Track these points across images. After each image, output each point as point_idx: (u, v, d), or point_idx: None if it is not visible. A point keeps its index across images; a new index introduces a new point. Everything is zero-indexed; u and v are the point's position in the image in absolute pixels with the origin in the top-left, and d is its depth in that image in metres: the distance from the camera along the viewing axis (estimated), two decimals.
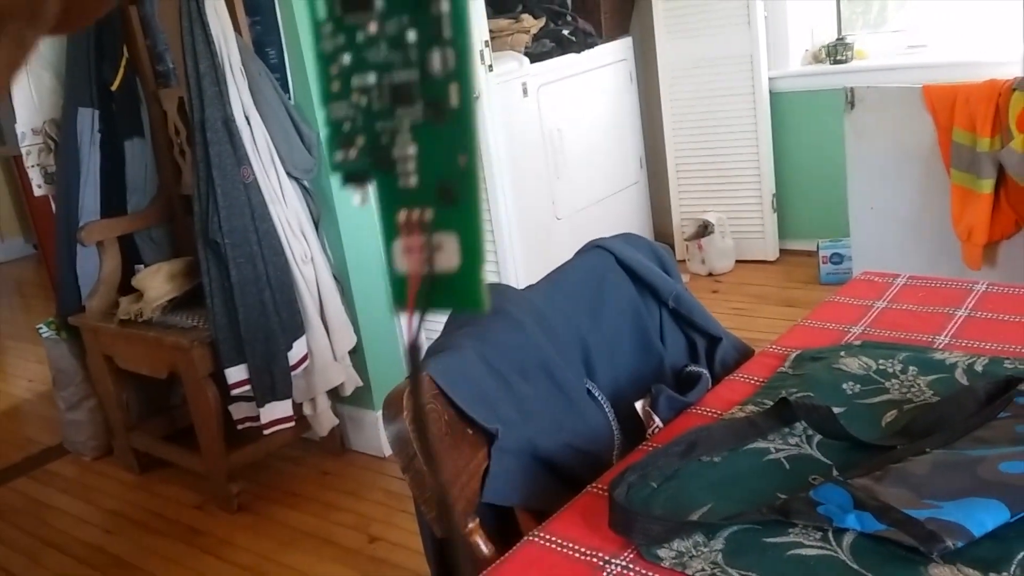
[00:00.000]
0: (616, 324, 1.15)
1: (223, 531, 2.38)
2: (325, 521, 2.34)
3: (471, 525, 0.93)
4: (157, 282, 2.50)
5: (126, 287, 2.62)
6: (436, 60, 0.23)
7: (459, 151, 0.24)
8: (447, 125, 0.24)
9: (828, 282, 3.35)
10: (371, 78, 0.24)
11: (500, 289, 1.10)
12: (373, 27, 0.24)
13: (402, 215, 0.25)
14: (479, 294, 0.25)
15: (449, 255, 0.25)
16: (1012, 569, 0.74)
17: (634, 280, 1.17)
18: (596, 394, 1.10)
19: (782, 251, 3.72)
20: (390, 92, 0.24)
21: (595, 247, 1.18)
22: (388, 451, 2.60)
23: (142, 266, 2.65)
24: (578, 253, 1.18)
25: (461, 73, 0.23)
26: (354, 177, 0.26)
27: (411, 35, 0.23)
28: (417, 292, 0.25)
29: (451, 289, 0.25)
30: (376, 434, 2.61)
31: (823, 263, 3.38)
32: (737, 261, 3.72)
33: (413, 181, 0.24)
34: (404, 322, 0.26)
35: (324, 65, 0.25)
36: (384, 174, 0.25)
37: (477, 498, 0.96)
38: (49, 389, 3.01)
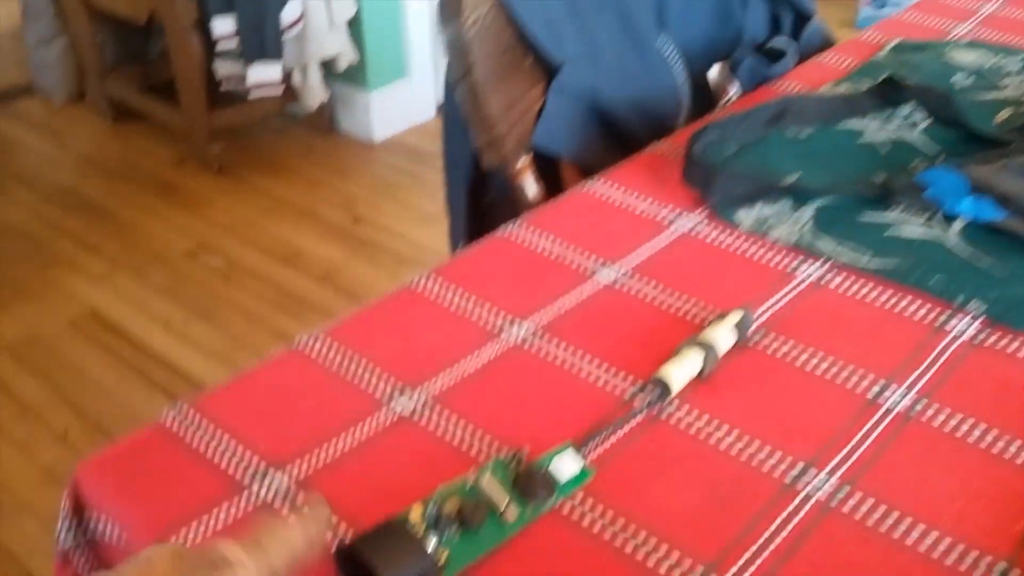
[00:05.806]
0: None
1: (203, 191, 2.27)
2: (309, 196, 2.24)
3: (521, 163, 0.81)
4: None
5: None
6: None
7: None
8: None
9: None
10: None
11: None
12: None
13: None
14: None
15: None
16: None
17: None
18: (668, 51, 0.95)
19: None
20: None
21: None
22: (379, 138, 2.45)
23: None
24: None
25: None
26: None
27: None
28: None
29: None
30: (367, 118, 2.45)
31: None
32: None
33: None
34: None
35: None
36: None
37: (528, 138, 0.84)
38: (18, 23, 2.74)
